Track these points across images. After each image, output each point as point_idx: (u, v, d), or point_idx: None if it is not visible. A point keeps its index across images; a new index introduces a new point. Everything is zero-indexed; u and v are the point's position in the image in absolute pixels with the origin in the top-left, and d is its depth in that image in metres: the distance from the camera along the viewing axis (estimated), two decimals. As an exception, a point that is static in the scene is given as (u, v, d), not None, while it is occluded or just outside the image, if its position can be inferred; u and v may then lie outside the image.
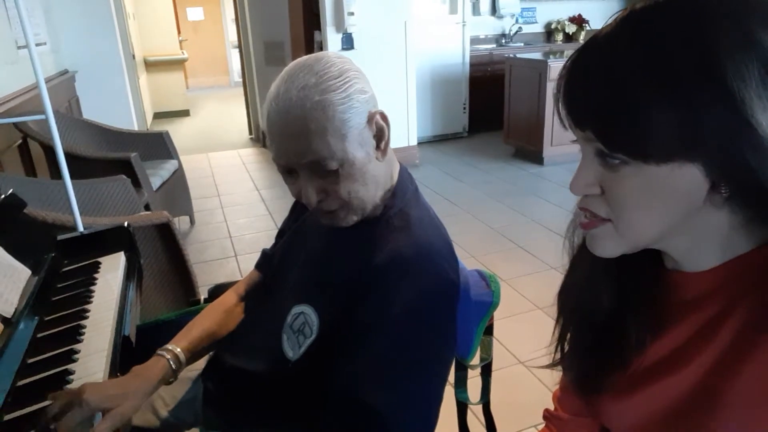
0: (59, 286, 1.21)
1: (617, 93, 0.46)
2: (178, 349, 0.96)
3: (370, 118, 0.84)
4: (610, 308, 0.61)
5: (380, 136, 0.86)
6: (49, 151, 2.60)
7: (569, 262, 0.66)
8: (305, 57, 0.86)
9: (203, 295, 1.47)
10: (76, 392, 0.81)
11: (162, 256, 2.04)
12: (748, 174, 0.44)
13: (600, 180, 0.51)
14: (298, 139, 0.81)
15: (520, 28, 6.18)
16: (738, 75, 0.43)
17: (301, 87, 0.80)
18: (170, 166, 3.29)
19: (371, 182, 0.86)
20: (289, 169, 0.85)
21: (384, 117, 0.86)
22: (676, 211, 0.49)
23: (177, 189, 3.38)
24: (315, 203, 0.85)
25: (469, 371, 1.12)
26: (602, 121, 0.48)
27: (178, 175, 3.39)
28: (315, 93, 0.80)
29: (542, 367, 0.72)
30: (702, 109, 0.44)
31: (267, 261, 1.14)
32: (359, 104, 0.82)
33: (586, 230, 0.56)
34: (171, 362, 0.94)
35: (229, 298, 1.12)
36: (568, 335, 0.68)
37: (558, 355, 0.70)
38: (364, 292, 0.83)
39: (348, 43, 4.38)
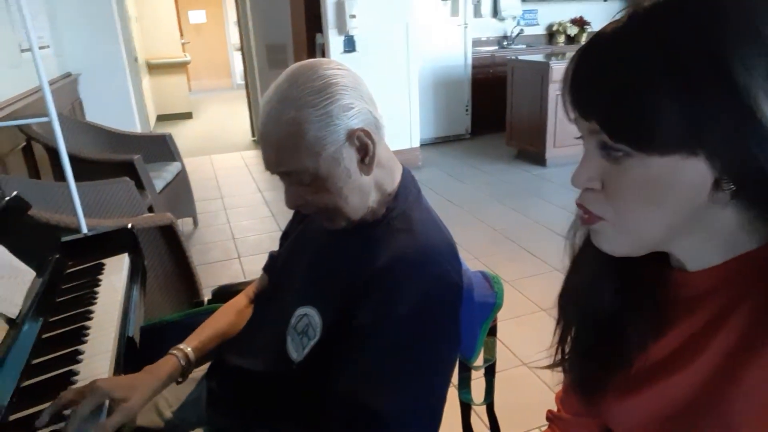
0: (63, 287, 1.22)
1: (623, 83, 0.46)
2: (189, 349, 0.98)
3: (350, 136, 0.82)
4: (612, 308, 0.61)
5: (365, 151, 0.85)
6: (53, 153, 2.61)
7: (570, 263, 0.66)
8: (301, 63, 0.85)
9: (207, 296, 1.48)
10: (88, 384, 0.84)
11: (166, 258, 2.04)
12: (753, 169, 0.44)
13: (601, 174, 0.52)
14: (272, 149, 0.82)
15: (521, 30, 6.18)
16: (744, 68, 0.43)
17: (282, 98, 0.81)
18: (173, 168, 3.29)
19: (353, 195, 0.85)
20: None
21: (367, 134, 0.84)
22: (679, 209, 0.49)
23: (180, 191, 3.39)
24: (294, 207, 0.88)
25: (473, 372, 1.12)
26: (607, 110, 0.48)
27: (181, 177, 3.40)
28: (292, 108, 0.79)
29: (542, 368, 0.72)
30: (707, 101, 0.44)
31: (273, 263, 1.14)
32: (339, 121, 0.80)
33: (585, 225, 0.56)
34: (181, 360, 0.96)
35: (241, 300, 1.14)
36: (569, 337, 0.68)
37: (558, 357, 0.69)
38: (367, 294, 0.83)
39: (350, 45, 4.38)
